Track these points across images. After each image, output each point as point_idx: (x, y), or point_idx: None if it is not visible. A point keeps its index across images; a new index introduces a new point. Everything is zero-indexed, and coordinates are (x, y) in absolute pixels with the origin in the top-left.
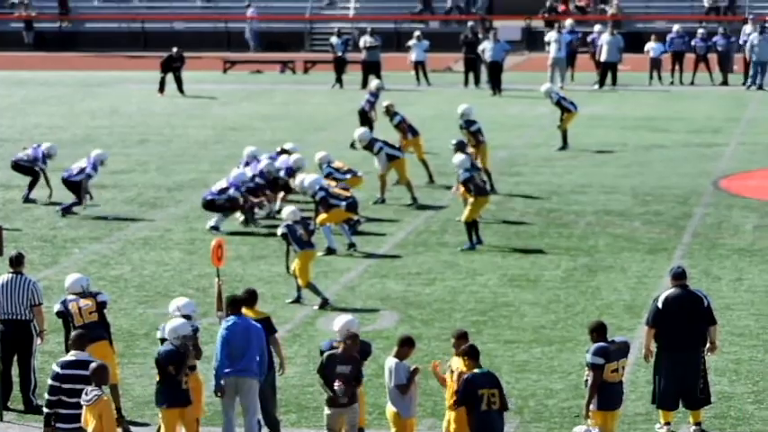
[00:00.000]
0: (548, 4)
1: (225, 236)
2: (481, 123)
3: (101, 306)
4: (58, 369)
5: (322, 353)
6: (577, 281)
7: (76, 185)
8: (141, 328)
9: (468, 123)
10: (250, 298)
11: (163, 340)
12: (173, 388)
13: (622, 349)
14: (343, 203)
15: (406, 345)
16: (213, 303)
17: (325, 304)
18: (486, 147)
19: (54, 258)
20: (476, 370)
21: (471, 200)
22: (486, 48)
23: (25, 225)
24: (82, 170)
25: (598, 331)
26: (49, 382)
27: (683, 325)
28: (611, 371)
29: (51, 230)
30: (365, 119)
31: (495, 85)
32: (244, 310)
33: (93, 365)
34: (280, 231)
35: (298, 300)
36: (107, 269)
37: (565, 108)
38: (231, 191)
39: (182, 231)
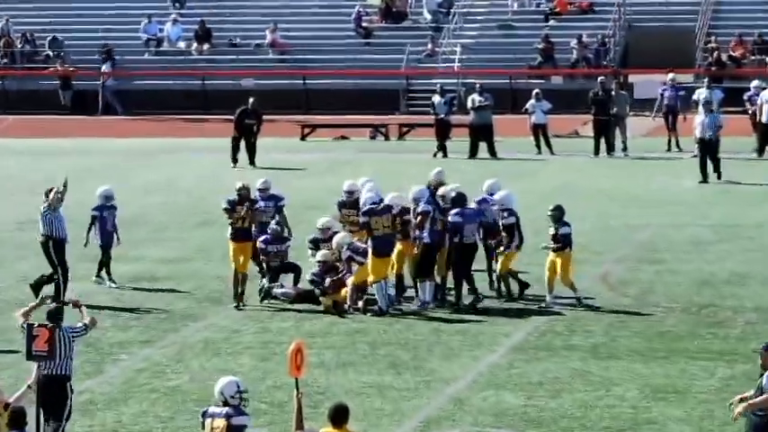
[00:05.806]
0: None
1: (304, 338)
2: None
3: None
4: None
5: None
6: (735, 392)
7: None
8: None
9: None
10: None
11: None
12: None
13: None
14: None
15: None
16: (291, 422)
17: None
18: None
19: (98, 366)
20: None
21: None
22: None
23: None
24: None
25: None
26: None
27: None
28: None
29: (95, 332)
30: None
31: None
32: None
33: None
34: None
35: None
36: (160, 379)
37: None
38: None
39: (252, 333)
